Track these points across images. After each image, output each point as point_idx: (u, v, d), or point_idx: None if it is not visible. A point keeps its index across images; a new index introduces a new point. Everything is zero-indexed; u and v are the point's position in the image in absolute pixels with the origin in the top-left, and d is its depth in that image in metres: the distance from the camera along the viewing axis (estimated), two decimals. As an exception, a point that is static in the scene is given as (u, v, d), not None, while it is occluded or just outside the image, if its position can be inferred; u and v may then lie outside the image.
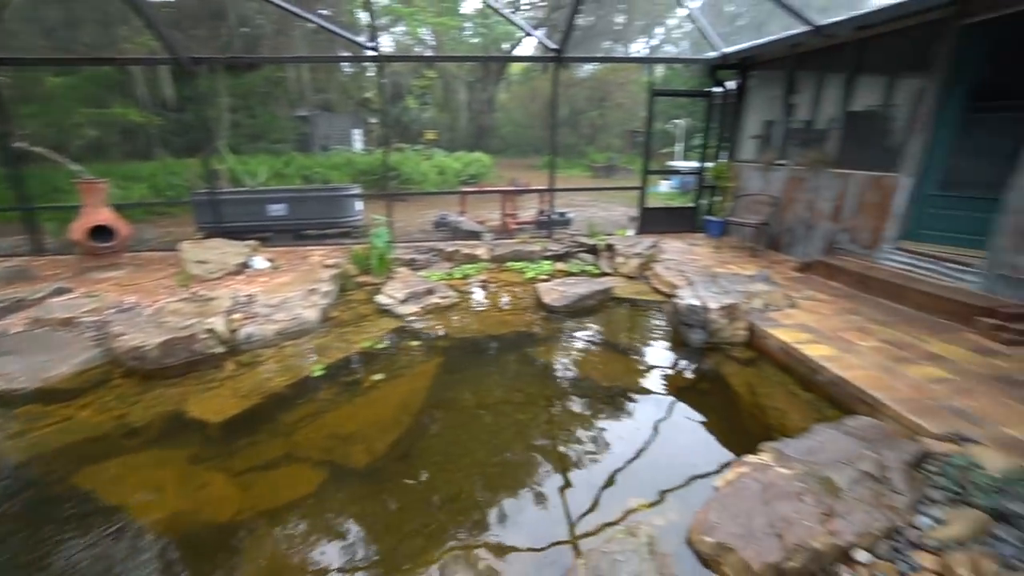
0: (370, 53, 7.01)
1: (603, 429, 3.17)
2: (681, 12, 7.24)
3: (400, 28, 19.37)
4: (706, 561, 2.03)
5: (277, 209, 7.49)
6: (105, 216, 5.75)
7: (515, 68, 26.40)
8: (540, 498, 2.56)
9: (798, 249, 6.37)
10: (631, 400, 3.51)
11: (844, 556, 1.97)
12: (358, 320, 4.84)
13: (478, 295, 5.69)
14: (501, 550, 2.20)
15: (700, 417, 3.34)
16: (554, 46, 7.01)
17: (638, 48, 23.02)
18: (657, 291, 5.53)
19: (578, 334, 4.64)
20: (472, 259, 6.76)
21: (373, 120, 20.09)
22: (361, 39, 7.14)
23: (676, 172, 12.04)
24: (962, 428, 2.67)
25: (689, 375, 3.94)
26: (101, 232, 5.75)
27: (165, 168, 12.04)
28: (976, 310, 3.94)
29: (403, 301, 5.10)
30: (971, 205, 4.54)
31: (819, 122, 6.21)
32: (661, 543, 2.08)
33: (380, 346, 4.27)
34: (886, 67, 5.33)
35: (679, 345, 4.31)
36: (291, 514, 2.41)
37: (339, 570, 2.12)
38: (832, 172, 5.81)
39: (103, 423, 3.15)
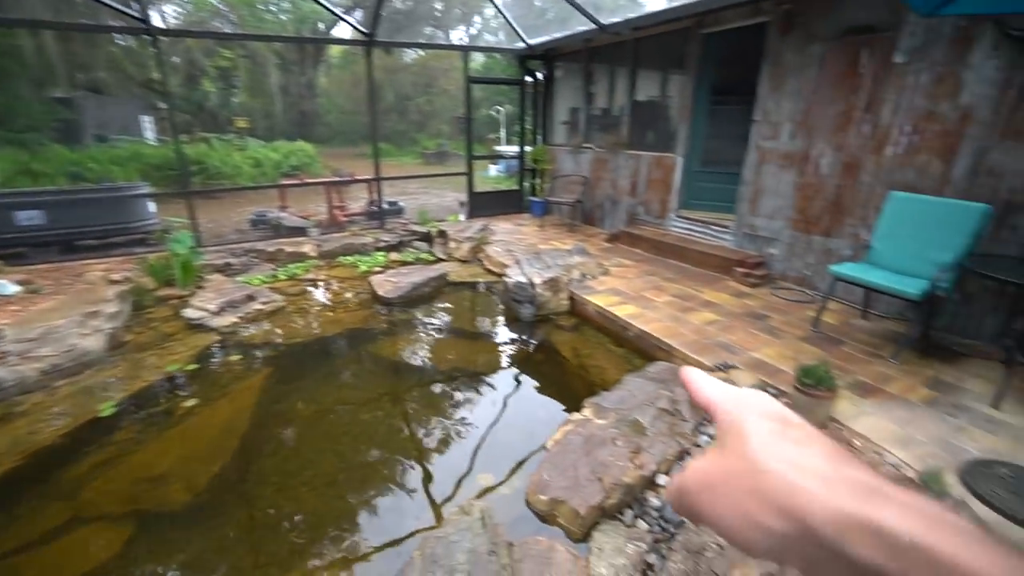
0: (140, 26, 5.88)
1: (450, 414, 3.27)
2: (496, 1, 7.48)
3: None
4: (544, 517, 2.23)
5: (29, 217, 5.95)
6: None
7: (335, 51, 24.60)
8: (396, 495, 2.55)
9: (607, 222, 7.23)
10: (474, 381, 3.66)
11: (651, 484, 2.35)
12: (162, 340, 4.17)
13: (308, 296, 5.32)
14: (363, 555, 2.16)
15: (538, 385, 3.64)
16: (365, 30, 6.73)
17: (459, 35, 23.32)
18: (490, 272, 5.80)
19: (416, 323, 4.66)
20: (299, 257, 6.27)
21: (164, 105, 16.97)
22: (133, 11, 5.93)
23: (501, 157, 12.59)
24: (727, 358, 3.36)
25: (524, 348, 4.25)
26: None
27: None
28: (732, 263, 4.96)
29: (218, 312, 4.53)
30: (724, 178, 5.65)
31: (614, 110, 7.06)
32: (498, 514, 2.23)
33: (192, 367, 3.74)
34: (659, 64, 6.29)
35: (513, 321, 4.61)
36: (88, 586, 2.03)
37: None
38: (627, 153, 6.69)
39: None
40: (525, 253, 5.49)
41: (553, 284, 4.54)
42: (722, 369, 3.29)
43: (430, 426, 3.14)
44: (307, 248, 6.36)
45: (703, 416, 2.84)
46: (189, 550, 2.20)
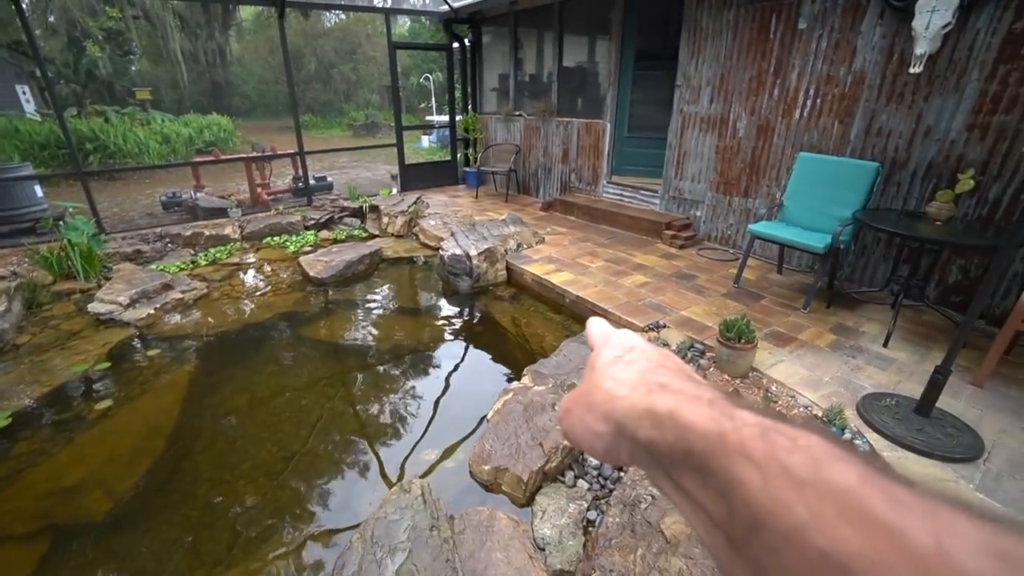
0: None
1: (394, 393, 3.24)
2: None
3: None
4: (488, 486, 2.28)
5: None
6: None
7: (247, 13, 22.44)
8: (342, 481, 2.51)
9: (542, 191, 7.27)
10: (416, 358, 3.63)
11: (586, 441, 2.46)
12: (66, 339, 3.81)
13: (234, 281, 5.01)
14: (308, 544, 2.13)
15: (480, 357, 3.67)
16: (273, -11, 6.19)
17: (381, -4, 21.96)
18: (426, 246, 5.70)
19: (352, 303, 4.53)
20: (221, 241, 5.86)
21: (39, 72, 14.87)
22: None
23: (432, 126, 12.20)
24: (658, 318, 3.53)
25: (464, 321, 4.25)
26: None
27: None
28: (661, 226, 5.16)
29: (130, 304, 4.18)
30: (651, 143, 5.79)
31: (543, 76, 7.00)
32: (445, 488, 2.27)
33: (104, 366, 3.46)
34: (585, 29, 6.25)
35: (451, 294, 4.58)
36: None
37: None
38: (557, 120, 6.69)
39: None
40: (460, 225, 5.43)
41: (490, 255, 4.53)
42: (654, 329, 3.45)
43: (374, 407, 3.10)
44: (229, 230, 5.95)
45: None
46: (118, 560, 2.08)
